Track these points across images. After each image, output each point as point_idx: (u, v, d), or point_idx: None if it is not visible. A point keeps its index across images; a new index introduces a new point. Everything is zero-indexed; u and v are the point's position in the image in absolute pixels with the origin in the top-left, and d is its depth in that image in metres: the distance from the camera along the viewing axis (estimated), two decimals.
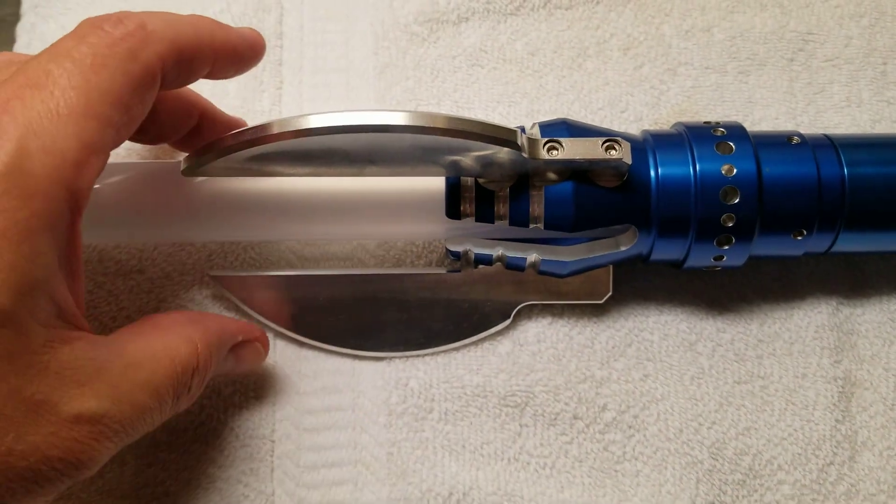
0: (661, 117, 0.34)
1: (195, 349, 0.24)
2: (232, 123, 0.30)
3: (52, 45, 0.22)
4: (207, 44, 0.24)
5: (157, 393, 0.23)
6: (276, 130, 0.25)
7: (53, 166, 0.20)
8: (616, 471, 0.29)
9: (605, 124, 0.34)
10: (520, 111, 0.34)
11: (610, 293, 0.30)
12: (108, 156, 0.22)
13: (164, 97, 0.27)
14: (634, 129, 0.33)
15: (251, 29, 0.26)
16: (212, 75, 0.26)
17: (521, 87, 0.34)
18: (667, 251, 0.29)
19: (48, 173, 0.20)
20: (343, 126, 0.24)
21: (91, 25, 0.22)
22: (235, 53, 0.26)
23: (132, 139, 0.28)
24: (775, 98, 0.35)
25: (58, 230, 0.21)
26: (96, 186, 0.28)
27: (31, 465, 0.20)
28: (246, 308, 0.30)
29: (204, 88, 0.30)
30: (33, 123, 0.20)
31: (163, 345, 0.24)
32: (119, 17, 0.23)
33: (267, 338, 0.29)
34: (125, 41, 0.22)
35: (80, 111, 0.21)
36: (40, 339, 0.20)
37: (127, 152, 0.32)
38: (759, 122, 0.34)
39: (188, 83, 0.25)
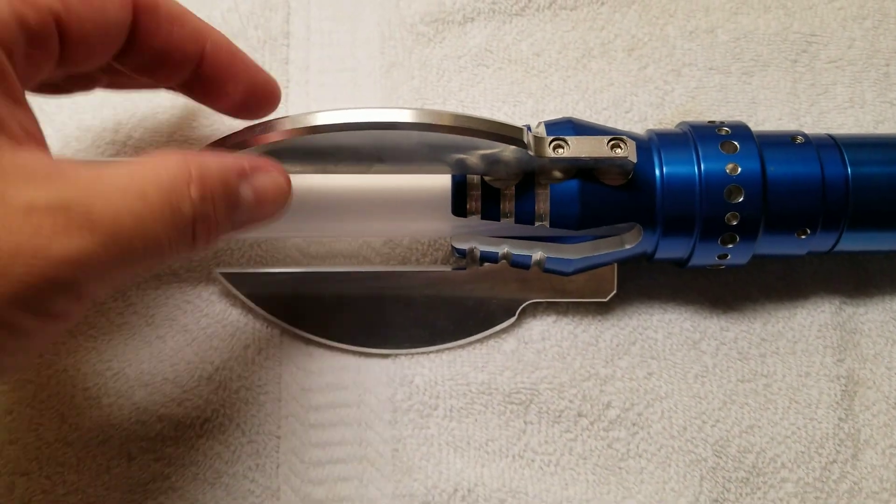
0: (665, 118, 0.34)
1: (185, 164, 0.21)
2: (247, 63, 0.28)
3: None
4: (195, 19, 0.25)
5: (142, 195, 0.20)
6: (284, 127, 0.25)
7: None
8: (620, 468, 0.30)
9: (610, 124, 0.34)
10: (525, 111, 0.34)
11: (614, 291, 0.31)
12: (62, 11, 0.21)
13: (158, 21, 0.25)
14: (639, 130, 0.33)
15: None
16: (222, 88, 0.26)
17: (526, 88, 0.35)
18: (671, 249, 0.29)
19: None
20: (351, 123, 0.24)
21: None
22: (234, 57, 0.26)
23: (132, 83, 0.28)
24: (779, 99, 0.35)
25: None
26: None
27: None
28: (252, 305, 0.30)
29: None
30: None
31: (144, 162, 0.21)
32: None
33: (284, 170, 0.25)
34: None
35: None
36: None
37: (134, 150, 0.32)
38: (763, 122, 0.34)
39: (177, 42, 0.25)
